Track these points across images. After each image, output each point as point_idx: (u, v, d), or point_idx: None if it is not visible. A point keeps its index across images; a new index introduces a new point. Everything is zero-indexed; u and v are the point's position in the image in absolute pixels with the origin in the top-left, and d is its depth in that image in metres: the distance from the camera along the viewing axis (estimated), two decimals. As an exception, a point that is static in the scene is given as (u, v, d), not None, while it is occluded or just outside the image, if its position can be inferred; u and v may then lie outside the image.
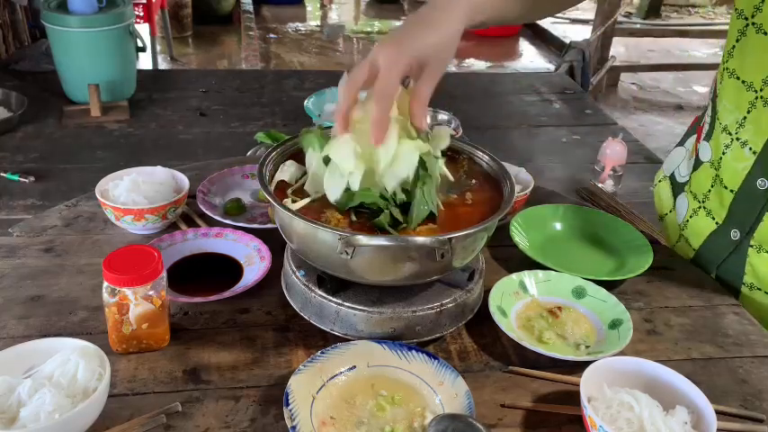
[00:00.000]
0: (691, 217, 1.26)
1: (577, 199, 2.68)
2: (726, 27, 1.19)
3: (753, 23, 1.04)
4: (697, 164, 1.24)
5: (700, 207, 1.23)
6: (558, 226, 1.33)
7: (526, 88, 3.69)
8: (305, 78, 3.63)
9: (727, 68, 1.12)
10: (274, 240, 1.13)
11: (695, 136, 1.29)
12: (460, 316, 1.02)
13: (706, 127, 1.21)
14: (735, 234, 1.16)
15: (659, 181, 1.40)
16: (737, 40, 1.09)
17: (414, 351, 0.95)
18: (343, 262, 0.89)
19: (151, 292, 0.94)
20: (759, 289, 1.16)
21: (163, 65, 4.70)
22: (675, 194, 1.32)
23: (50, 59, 3.19)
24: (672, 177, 1.35)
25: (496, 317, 1.02)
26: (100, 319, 1.01)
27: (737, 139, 1.11)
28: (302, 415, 0.84)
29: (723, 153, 1.15)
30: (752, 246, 1.14)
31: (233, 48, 5.39)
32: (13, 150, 2.72)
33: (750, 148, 1.09)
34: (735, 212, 1.15)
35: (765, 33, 1.02)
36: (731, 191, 1.14)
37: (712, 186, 1.19)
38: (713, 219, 1.20)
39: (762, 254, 1.13)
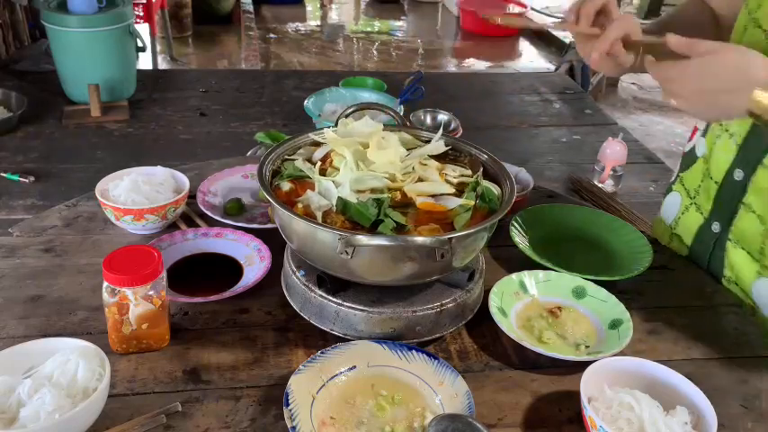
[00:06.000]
0: (683, 214, 1.28)
1: (568, 185, 2.69)
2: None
3: (753, 19, 1.06)
4: (692, 160, 1.26)
5: (691, 203, 1.25)
6: (558, 226, 1.33)
7: (526, 88, 3.69)
8: (305, 78, 3.63)
9: None
10: (274, 240, 1.13)
11: None
12: (460, 316, 1.02)
13: (702, 123, 1.24)
14: (716, 227, 1.19)
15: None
16: (740, 34, 1.10)
17: (414, 351, 0.95)
18: (343, 262, 0.89)
19: (151, 292, 0.94)
20: (736, 284, 1.18)
21: (163, 65, 4.69)
22: (665, 196, 1.35)
23: (50, 59, 3.19)
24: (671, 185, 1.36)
25: (496, 317, 1.02)
26: (100, 319, 1.01)
27: (726, 130, 1.14)
28: (302, 415, 0.84)
29: (714, 144, 1.18)
30: (730, 240, 1.16)
31: (233, 48, 5.39)
32: (13, 150, 2.72)
33: (735, 140, 1.12)
34: (718, 205, 1.18)
35: (761, 28, 1.04)
36: (716, 182, 1.17)
37: (702, 181, 1.21)
38: (701, 213, 1.22)
39: (737, 249, 1.15)
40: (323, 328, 0.99)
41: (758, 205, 1.10)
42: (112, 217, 1.22)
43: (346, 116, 1.14)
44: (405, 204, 0.98)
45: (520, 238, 1.24)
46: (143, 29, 3.96)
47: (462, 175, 1.06)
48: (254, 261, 1.15)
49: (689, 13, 1.24)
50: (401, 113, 1.41)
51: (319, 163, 1.04)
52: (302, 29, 6.14)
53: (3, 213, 2.34)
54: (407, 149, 1.09)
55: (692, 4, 1.24)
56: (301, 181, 1.03)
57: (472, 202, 0.98)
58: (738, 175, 1.12)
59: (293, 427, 0.82)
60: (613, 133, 2.82)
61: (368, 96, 2.58)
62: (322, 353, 0.93)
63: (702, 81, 0.90)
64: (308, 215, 0.94)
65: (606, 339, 1.02)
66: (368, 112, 1.25)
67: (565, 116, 3.39)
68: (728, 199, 1.15)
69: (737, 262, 1.16)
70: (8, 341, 0.96)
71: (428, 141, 1.14)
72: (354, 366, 0.93)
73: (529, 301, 1.10)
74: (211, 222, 1.27)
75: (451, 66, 5.62)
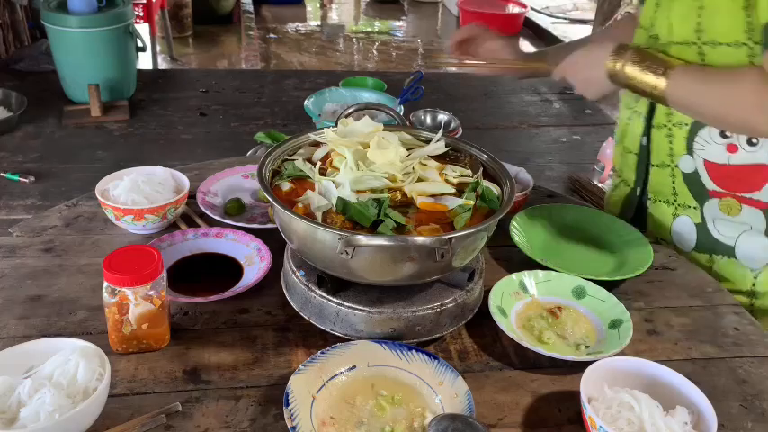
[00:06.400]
0: (612, 192, 1.44)
1: (568, 185, 2.70)
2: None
3: (639, 21, 1.25)
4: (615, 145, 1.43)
5: (620, 180, 1.41)
6: (558, 226, 1.33)
7: (526, 88, 3.69)
8: (305, 78, 3.64)
9: None
10: (274, 240, 1.13)
11: None
12: (460, 316, 1.02)
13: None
14: (638, 191, 1.35)
15: None
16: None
17: (414, 351, 0.95)
18: (343, 262, 0.89)
19: (151, 292, 0.94)
20: (659, 237, 1.32)
21: (163, 65, 4.69)
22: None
23: (50, 59, 3.20)
24: None
25: (496, 317, 1.02)
26: (100, 319, 1.01)
27: (635, 111, 1.31)
28: (302, 415, 0.84)
29: (627, 123, 1.34)
30: (649, 198, 1.33)
31: (233, 48, 5.39)
32: (13, 150, 2.72)
33: (643, 117, 1.29)
34: (637, 172, 1.34)
35: (642, 27, 1.24)
36: (635, 154, 1.33)
37: (621, 157, 1.38)
38: (627, 186, 1.38)
39: (657, 203, 1.31)
40: (323, 328, 0.99)
41: (659, 156, 1.27)
42: (112, 217, 1.22)
43: (346, 116, 1.14)
44: (405, 204, 0.99)
45: (520, 238, 1.24)
46: (143, 29, 3.96)
47: (462, 175, 1.06)
48: (254, 261, 1.15)
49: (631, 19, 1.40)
50: (401, 113, 1.41)
51: (319, 163, 1.05)
52: (302, 29, 6.14)
53: (3, 213, 2.34)
54: (407, 149, 1.09)
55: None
56: (301, 181, 1.03)
57: (472, 202, 0.99)
58: (644, 141, 1.30)
59: (293, 427, 0.82)
60: (613, 133, 2.82)
61: (368, 96, 2.57)
62: (322, 353, 0.93)
63: (575, 65, 1.21)
64: (308, 215, 0.94)
65: (606, 339, 1.02)
66: (368, 112, 1.25)
67: (565, 116, 3.40)
68: (642, 164, 1.32)
69: (656, 215, 1.32)
70: (8, 341, 0.96)
71: (428, 141, 1.14)
72: (354, 366, 0.93)
73: (529, 301, 1.10)
74: (211, 222, 1.27)
75: (451, 66, 5.61)
